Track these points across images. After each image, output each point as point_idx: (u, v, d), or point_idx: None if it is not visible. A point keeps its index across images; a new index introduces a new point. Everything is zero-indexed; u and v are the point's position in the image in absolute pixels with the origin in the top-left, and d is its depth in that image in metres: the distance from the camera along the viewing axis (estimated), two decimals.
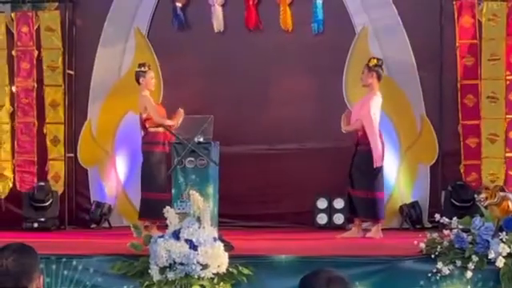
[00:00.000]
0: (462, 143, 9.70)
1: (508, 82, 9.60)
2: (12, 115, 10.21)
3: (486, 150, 9.61)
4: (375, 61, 8.69)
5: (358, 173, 8.66)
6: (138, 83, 8.90)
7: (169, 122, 8.67)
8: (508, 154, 9.56)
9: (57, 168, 10.13)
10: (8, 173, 10.17)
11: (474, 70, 9.71)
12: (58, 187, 10.02)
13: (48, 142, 10.14)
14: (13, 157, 10.18)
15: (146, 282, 6.47)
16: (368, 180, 8.58)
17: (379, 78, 8.65)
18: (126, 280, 6.57)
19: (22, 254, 2.97)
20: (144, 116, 8.76)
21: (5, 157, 10.16)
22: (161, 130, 8.64)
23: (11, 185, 10.15)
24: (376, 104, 8.57)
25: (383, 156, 8.58)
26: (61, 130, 10.15)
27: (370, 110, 8.49)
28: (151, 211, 8.39)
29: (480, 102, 9.66)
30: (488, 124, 9.62)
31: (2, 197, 10.12)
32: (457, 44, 9.70)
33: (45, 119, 10.15)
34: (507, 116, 9.59)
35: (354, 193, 8.72)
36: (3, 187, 10.15)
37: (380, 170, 8.57)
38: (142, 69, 8.88)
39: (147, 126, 8.76)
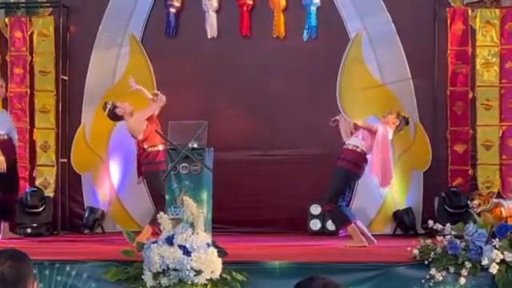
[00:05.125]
0: (449, 149, 9.74)
1: (503, 90, 9.64)
2: None
3: (481, 156, 9.65)
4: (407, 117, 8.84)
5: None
6: (120, 118, 8.70)
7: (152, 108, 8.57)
8: (505, 161, 9.59)
9: (46, 174, 10.11)
10: None
11: (465, 76, 9.74)
12: (48, 193, 10.00)
13: (38, 148, 10.13)
14: None
15: None
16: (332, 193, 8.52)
17: (398, 126, 8.61)
18: (119, 286, 6.54)
19: (16, 260, 2.97)
20: (140, 138, 8.54)
21: None
22: (161, 148, 8.45)
23: None
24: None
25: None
26: (52, 135, 10.13)
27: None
28: None
29: (469, 109, 9.70)
30: (483, 131, 9.65)
31: None
32: (448, 51, 9.73)
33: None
34: (502, 123, 9.63)
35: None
36: None
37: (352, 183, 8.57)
38: (109, 106, 8.62)
39: (145, 146, 8.53)
